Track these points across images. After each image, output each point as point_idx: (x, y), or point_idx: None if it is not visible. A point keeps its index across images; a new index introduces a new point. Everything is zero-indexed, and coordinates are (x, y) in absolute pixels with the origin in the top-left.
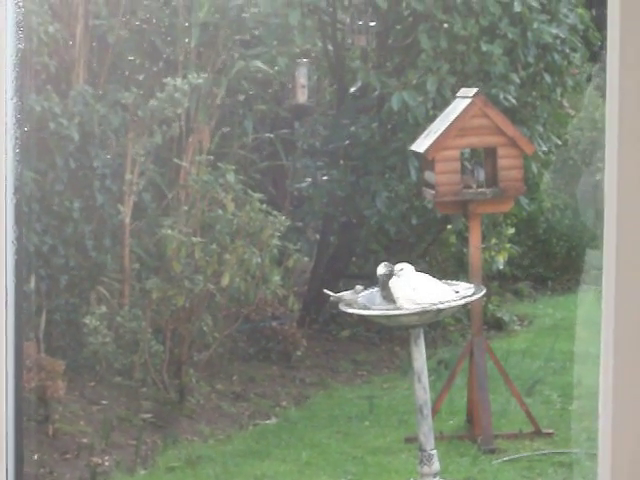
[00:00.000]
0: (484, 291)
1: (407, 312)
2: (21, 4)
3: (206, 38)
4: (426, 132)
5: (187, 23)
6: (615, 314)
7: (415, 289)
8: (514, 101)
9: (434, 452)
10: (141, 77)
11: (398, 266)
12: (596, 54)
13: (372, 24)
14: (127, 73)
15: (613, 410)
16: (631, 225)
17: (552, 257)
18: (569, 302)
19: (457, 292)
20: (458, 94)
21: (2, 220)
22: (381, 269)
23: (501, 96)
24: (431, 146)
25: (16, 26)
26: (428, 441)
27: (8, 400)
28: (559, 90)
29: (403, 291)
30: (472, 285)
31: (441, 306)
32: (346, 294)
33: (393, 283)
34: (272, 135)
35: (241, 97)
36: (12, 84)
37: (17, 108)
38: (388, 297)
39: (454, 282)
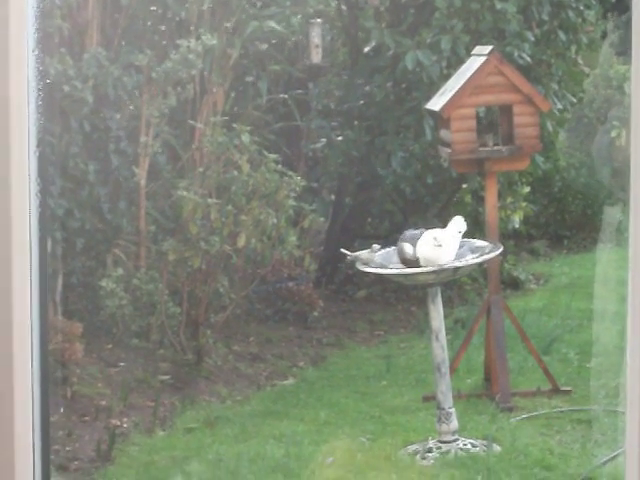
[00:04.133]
0: (501, 249)
1: (424, 270)
2: None
3: None
4: (441, 90)
5: None
6: None
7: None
8: (529, 59)
9: (452, 410)
10: (155, 39)
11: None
12: (611, 11)
13: None
14: (140, 35)
15: None
16: None
17: (568, 215)
18: (585, 260)
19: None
20: (473, 52)
21: (25, 173)
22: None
23: (515, 54)
24: (447, 104)
25: None
26: (446, 399)
27: (34, 362)
28: (574, 47)
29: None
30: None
31: (458, 264)
32: (363, 253)
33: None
34: (286, 96)
35: (255, 58)
36: (33, 37)
37: (39, 61)
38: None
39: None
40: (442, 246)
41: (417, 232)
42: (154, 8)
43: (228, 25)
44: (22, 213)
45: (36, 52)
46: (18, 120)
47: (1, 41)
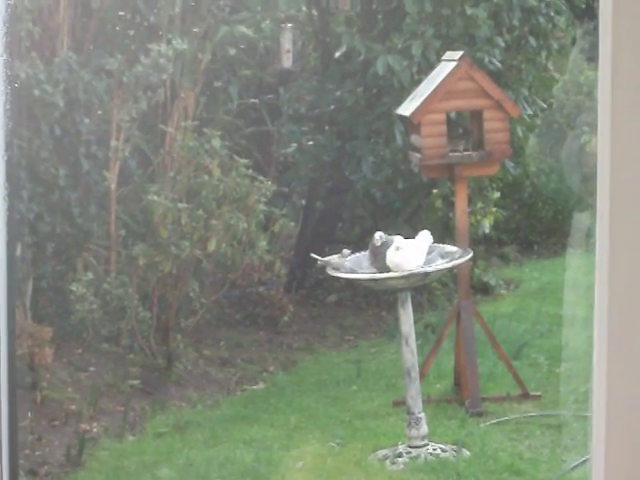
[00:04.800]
0: (471, 254)
1: (394, 275)
2: None
3: (190, 3)
4: (412, 96)
5: None
6: (609, 278)
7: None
8: (499, 65)
9: (422, 415)
10: (125, 43)
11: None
12: (581, 17)
13: None
14: (111, 39)
15: (607, 373)
16: (624, 191)
17: (538, 221)
18: (555, 266)
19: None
20: (444, 57)
21: None
22: (377, 241)
23: (486, 60)
24: (417, 109)
25: None
26: (416, 404)
27: (1, 367)
28: (544, 53)
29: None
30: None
31: (428, 269)
32: (333, 258)
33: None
34: (257, 101)
35: (225, 63)
36: (2, 41)
37: (7, 65)
38: (380, 266)
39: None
40: (402, 248)
41: (389, 237)
42: (125, 13)
43: (198, 30)
44: None
45: (4, 56)
46: None
47: None
